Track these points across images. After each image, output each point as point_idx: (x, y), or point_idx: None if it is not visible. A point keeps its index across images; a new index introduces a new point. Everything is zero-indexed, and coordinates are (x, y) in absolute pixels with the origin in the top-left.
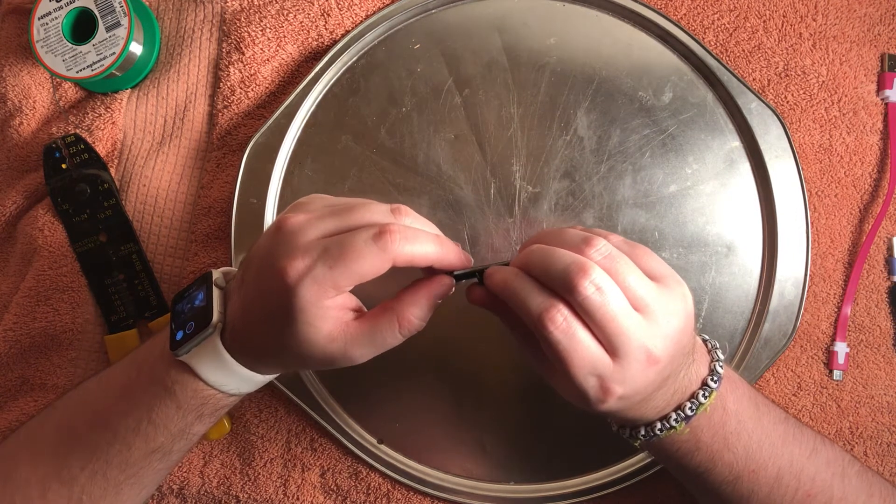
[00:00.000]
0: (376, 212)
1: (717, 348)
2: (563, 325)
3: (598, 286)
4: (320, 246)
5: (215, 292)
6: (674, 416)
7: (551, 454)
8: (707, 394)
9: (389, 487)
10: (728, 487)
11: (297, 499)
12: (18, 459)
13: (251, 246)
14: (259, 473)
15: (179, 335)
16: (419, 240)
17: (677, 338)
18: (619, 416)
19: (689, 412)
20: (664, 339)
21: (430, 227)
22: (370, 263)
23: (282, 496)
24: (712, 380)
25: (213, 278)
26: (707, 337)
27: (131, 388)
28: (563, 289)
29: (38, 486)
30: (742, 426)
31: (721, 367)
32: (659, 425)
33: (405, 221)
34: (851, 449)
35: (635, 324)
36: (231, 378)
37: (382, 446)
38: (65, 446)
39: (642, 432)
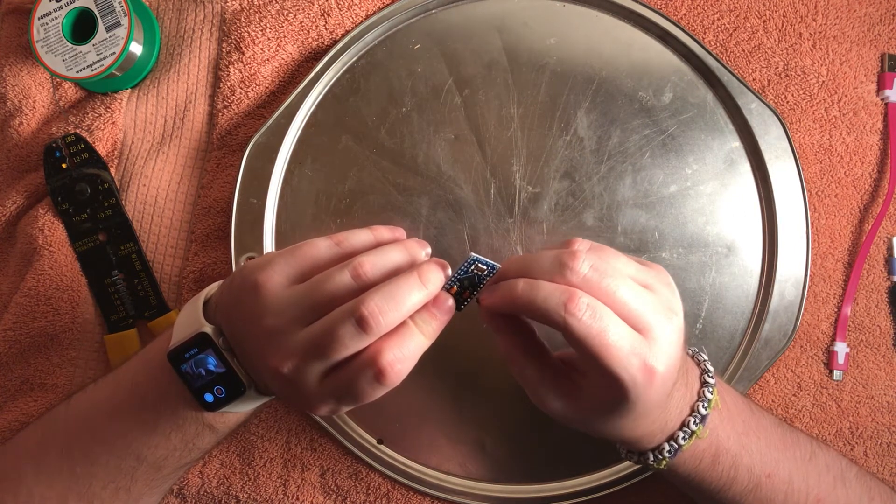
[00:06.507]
0: (338, 281)
1: (698, 352)
2: (589, 310)
3: (599, 271)
4: (308, 346)
5: (228, 357)
6: (692, 420)
7: (551, 454)
8: (710, 390)
9: (389, 487)
10: (749, 497)
11: (297, 499)
12: (23, 478)
13: (223, 288)
14: (259, 473)
15: (209, 398)
16: (395, 296)
17: (678, 298)
18: (650, 423)
19: (703, 411)
20: (675, 301)
21: (379, 232)
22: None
23: (281, 496)
24: (709, 376)
25: (217, 342)
26: None
27: (152, 421)
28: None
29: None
30: (747, 425)
31: (709, 365)
32: (681, 434)
33: (364, 260)
34: (851, 449)
35: (647, 297)
36: (258, 401)
37: (382, 446)
38: (81, 468)
39: (666, 448)
